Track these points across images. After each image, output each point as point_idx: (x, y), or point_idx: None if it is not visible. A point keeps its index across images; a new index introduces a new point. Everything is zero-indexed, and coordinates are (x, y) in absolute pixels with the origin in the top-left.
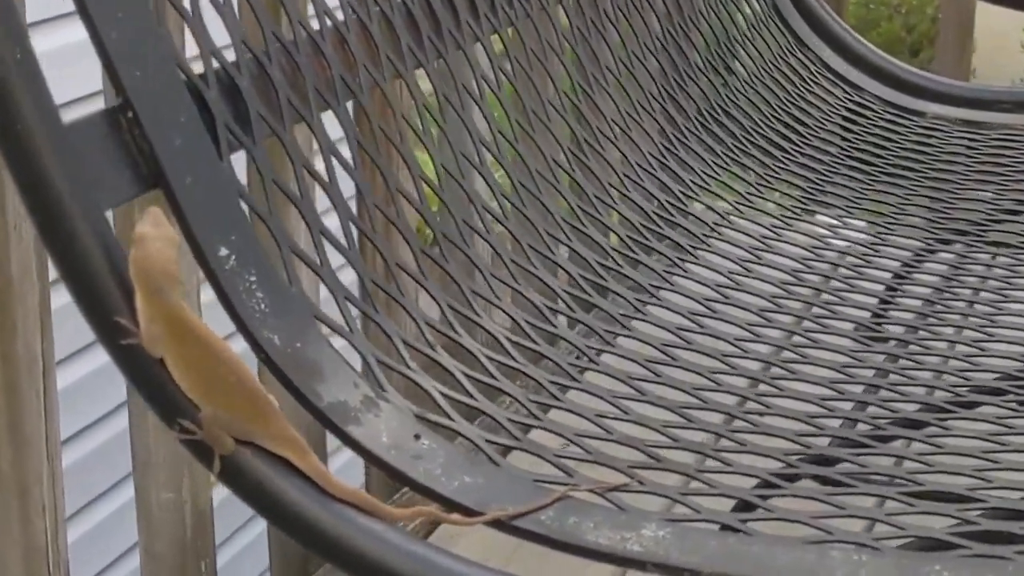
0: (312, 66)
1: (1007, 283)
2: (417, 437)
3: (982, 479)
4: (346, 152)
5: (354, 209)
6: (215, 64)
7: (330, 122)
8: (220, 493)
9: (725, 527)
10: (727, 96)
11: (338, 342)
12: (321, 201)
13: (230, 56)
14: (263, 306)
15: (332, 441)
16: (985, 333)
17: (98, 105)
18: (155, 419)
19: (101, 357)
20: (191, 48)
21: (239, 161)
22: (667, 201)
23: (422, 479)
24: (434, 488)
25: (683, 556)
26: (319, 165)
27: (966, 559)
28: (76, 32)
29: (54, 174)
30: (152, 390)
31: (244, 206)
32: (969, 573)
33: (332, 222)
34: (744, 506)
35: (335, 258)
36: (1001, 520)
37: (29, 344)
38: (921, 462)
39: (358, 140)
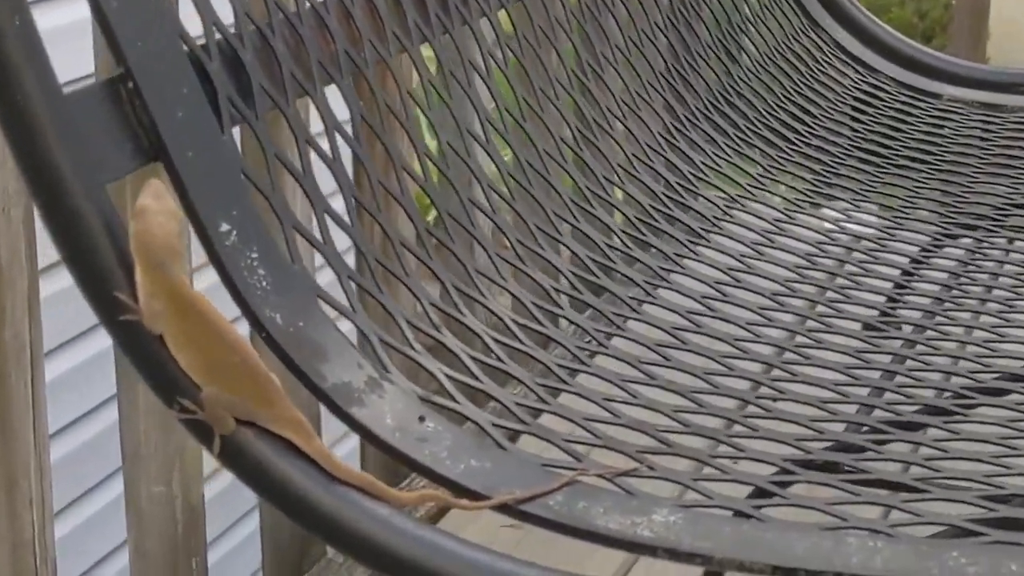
0: (316, 39)
1: None
2: (422, 419)
3: (1001, 466)
4: (348, 128)
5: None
6: (217, 35)
7: (333, 97)
8: (212, 488)
9: (738, 513)
10: (738, 76)
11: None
12: (321, 178)
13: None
14: (265, 283)
15: (328, 430)
16: (1003, 319)
17: None
18: (146, 410)
19: (89, 348)
20: (193, 19)
21: (239, 136)
22: (676, 183)
23: (428, 462)
24: (440, 472)
25: (695, 542)
26: (321, 141)
27: (984, 546)
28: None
29: (53, 145)
30: (152, 368)
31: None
32: (987, 560)
33: (337, 206)
34: (759, 493)
35: (336, 235)
36: (1020, 507)
37: (18, 332)
38: (938, 449)
39: (362, 115)
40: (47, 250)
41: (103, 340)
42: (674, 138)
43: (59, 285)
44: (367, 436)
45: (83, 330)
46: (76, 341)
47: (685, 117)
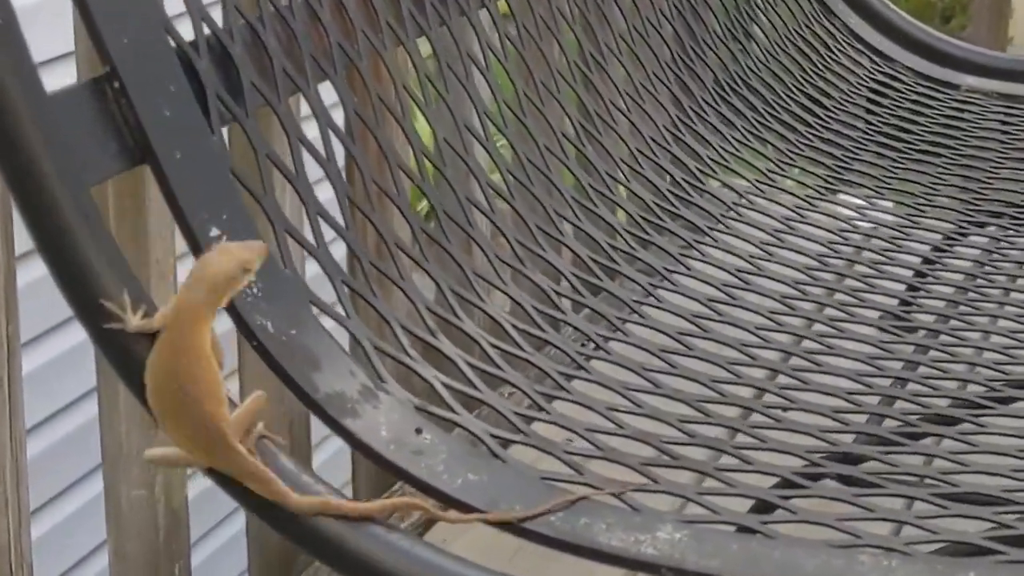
0: (309, 33)
1: None
2: (419, 431)
3: (1020, 480)
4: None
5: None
6: (206, 31)
7: (326, 92)
8: (195, 489)
9: (744, 529)
10: (747, 66)
11: (327, 325)
12: (310, 173)
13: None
14: (255, 290)
15: (315, 434)
16: (1023, 323)
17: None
18: (127, 409)
19: (65, 341)
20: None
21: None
22: (682, 178)
23: (424, 476)
24: (437, 486)
25: (701, 560)
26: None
27: (1003, 565)
28: None
29: (37, 147)
30: (135, 377)
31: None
32: None
33: (323, 197)
34: (764, 507)
35: (327, 236)
36: None
37: None
38: (954, 461)
39: (356, 112)
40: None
41: (78, 333)
42: (680, 132)
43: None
44: (361, 449)
45: (58, 322)
46: (51, 334)
47: (692, 109)
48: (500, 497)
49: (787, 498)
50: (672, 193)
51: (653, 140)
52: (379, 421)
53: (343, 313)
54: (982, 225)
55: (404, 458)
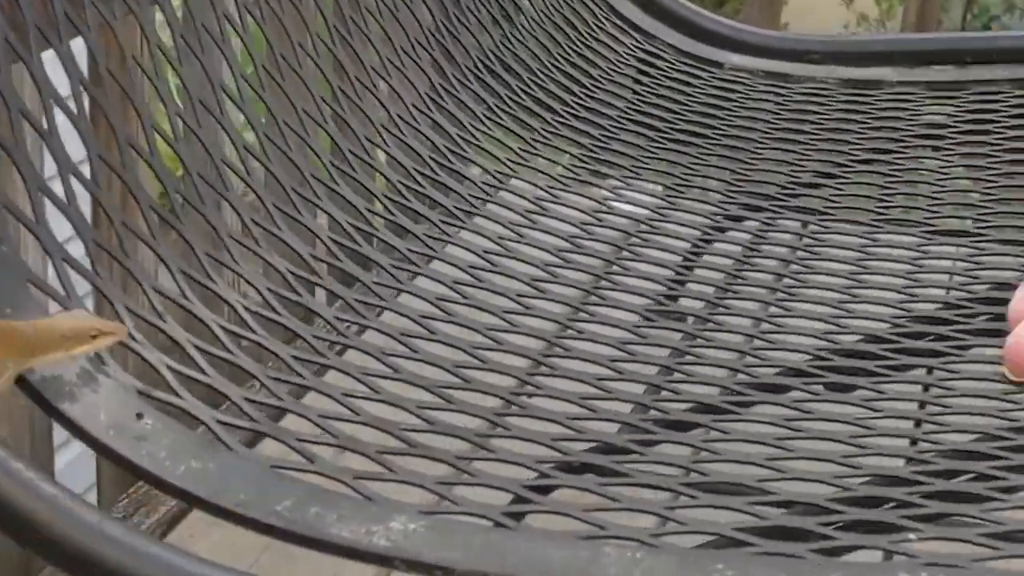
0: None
1: (814, 254)
2: (140, 416)
3: (774, 469)
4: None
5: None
6: None
7: (51, 64)
8: None
9: (491, 522)
10: (501, 42)
11: (54, 309)
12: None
13: None
14: None
15: (60, 434)
16: (785, 308)
17: None
18: None
19: None
20: None
21: None
22: (430, 158)
23: (145, 463)
24: (159, 474)
25: (436, 552)
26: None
27: (755, 557)
28: None
29: None
30: None
31: None
32: (756, 572)
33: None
34: (513, 499)
35: (58, 221)
36: (794, 515)
37: None
38: (708, 450)
39: (82, 83)
40: None
41: None
42: (431, 111)
43: None
44: (78, 434)
45: None
46: None
47: (442, 86)
48: (226, 486)
49: (536, 489)
50: (422, 174)
51: (403, 119)
52: (98, 405)
53: (63, 292)
54: (749, 210)
55: (124, 444)
